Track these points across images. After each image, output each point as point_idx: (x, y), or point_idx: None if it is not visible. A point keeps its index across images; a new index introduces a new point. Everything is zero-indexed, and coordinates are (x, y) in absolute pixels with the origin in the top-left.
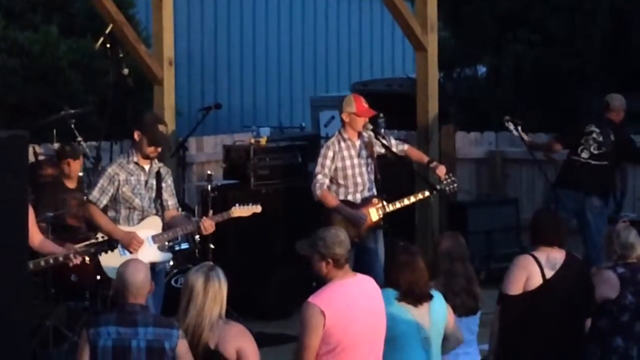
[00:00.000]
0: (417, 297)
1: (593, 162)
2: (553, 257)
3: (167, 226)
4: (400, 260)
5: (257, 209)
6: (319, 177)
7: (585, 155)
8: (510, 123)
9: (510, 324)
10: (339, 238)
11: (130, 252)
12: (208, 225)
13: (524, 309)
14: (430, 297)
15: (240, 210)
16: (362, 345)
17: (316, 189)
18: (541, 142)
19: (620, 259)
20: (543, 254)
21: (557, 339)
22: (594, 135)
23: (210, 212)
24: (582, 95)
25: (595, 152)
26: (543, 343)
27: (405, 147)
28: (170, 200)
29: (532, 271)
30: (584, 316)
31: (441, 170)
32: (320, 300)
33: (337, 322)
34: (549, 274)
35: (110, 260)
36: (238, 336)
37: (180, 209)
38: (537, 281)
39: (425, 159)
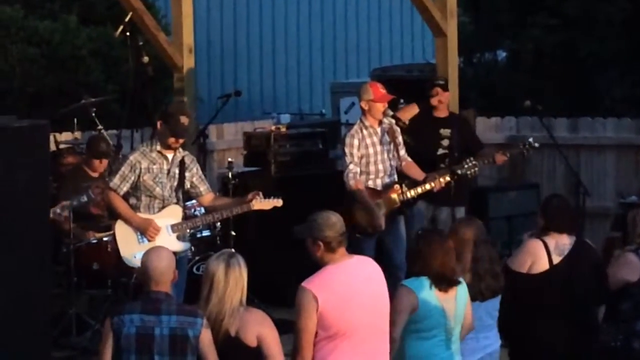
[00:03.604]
0: (447, 281)
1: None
2: (562, 243)
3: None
4: (433, 241)
5: (278, 202)
6: (351, 166)
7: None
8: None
9: (516, 302)
10: (330, 221)
11: (148, 240)
12: (257, 201)
13: (529, 291)
14: (457, 283)
15: (261, 204)
16: (362, 329)
17: (349, 179)
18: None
19: None
20: (552, 239)
21: (563, 324)
22: None
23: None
24: (601, 80)
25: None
26: (548, 327)
27: (404, 163)
28: (201, 186)
29: (538, 256)
30: (593, 303)
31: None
32: (313, 284)
33: (332, 306)
34: (556, 259)
35: (129, 248)
36: (259, 323)
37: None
38: (542, 266)
39: (421, 176)
